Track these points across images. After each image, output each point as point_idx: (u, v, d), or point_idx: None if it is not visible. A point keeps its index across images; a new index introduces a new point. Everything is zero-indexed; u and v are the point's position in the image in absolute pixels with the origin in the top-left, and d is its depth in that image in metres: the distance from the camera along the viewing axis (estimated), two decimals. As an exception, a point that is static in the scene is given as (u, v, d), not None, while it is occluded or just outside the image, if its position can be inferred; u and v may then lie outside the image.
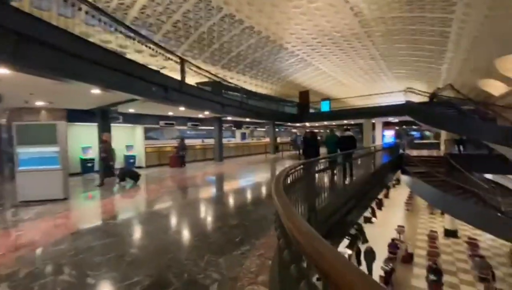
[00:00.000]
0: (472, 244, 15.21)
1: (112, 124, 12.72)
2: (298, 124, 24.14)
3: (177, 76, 11.88)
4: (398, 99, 23.06)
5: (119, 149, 15.84)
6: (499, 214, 10.97)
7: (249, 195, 8.93)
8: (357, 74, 37.48)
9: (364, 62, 32.41)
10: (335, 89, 40.42)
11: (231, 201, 8.25)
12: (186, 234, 5.49)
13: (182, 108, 12.71)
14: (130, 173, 11.34)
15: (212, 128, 16.60)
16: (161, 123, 18.13)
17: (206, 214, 7.07)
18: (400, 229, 16.76)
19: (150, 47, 10.56)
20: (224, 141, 18.45)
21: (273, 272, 2.82)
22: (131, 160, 16.46)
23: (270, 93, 32.97)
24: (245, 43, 24.51)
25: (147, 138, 17.44)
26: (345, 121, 20.83)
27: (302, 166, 4.25)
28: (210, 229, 5.61)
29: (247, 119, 18.12)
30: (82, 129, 13.78)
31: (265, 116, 16.93)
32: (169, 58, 11.63)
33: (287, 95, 35.84)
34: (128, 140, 16.88)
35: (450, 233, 16.56)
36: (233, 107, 13.50)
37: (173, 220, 6.55)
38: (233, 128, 22.29)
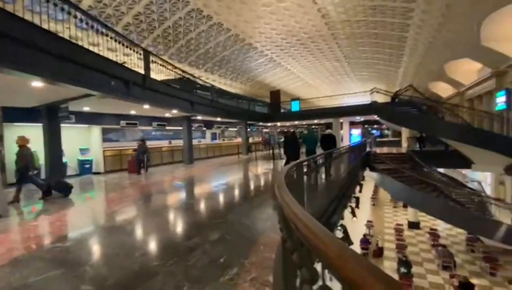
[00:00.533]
0: (434, 234, 16.35)
1: (62, 125, 11.02)
2: (269, 124, 23.94)
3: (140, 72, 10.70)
4: (361, 99, 24.21)
5: (71, 153, 13.92)
6: (456, 206, 11.69)
7: (227, 202, 7.87)
8: (323, 75, 38.84)
9: (330, 64, 33.62)
10: (303, 90, 41.39)
11: (207, 209, 7.20)
12: (156, 257, 4.15)
13: (146, 106, 11.47)
14: (59, 185, 8.81)
15: (181, 128, 15.26)
16: (122, 123, 16.39)
17: (179, 228, 5.66)
18: (369, 224, 17.41)
19: (108, 37, 9.24)
20: (194, 142, 17.38)
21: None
22: (87, 165, 14.60)
23: (239, 93, 32.45)
24: (214, 40, 23.67)
25: (105, 140, 15.61)
26: (315, 121, 21.18)
27: (295, 168, 3.74)
28: (187, 248, 4.31)
29: (218, 119, 17.29)
30: (23, 131, 11.72)
31: (237, 115, 16.29)
32: (132, 50, 10.39)
33: (256, 95, 35.69)
34: (82, 142, 14.96)
35: (413, 225, 17.64)
36: (203, 105, 12.62)
37: (138, 238, 5.18)
38: (203, 128, 21.14)
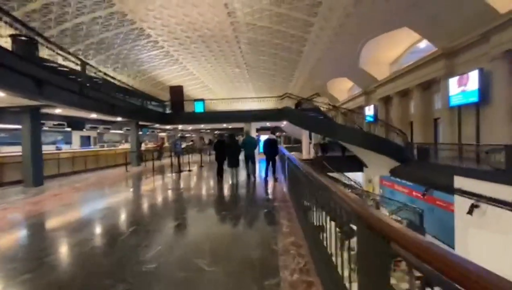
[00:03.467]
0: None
1: None
2: (168, 127, 19.84)
3: None
4: (259, 106, 24.47)
5: None
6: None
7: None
8: (223, 80, 38.02)
9: (231, 70, 33.11)
10: (202, 93, 38.91)
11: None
12: None
13: None
14: None
15: (19, 126, 9.00)
16: None
17: None
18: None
19: None
20: (48, 149, 11.35)
21: None
22: None
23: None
24: (88, 14, 17.88)
25: None
26: (224, 125, 19.36)
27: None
28: None
29: (93, 115, 11.94)
30: None
31: (124, 112, 11.52)
32: None
33: (149, 93, 30.47)
34: None
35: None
36: (66, 91, 7.91)
37: None
38: (67, 129, 14.47)
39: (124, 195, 6.83)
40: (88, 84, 9.00)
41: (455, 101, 11.76)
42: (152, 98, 16.58)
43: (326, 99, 29.06)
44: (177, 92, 15.90)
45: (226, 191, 7.09)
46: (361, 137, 12.23)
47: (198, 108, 17.63)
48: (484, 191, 7.10)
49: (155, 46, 23.88)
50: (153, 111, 14.95)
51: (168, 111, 16.55)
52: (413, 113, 16.13)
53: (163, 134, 26.45)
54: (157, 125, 17.78)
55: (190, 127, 22.56)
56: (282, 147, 13.24)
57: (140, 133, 17.47)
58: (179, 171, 9.94)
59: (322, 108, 14.70)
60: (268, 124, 19.50)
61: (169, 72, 30.07)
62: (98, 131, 17.18)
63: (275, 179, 8.16)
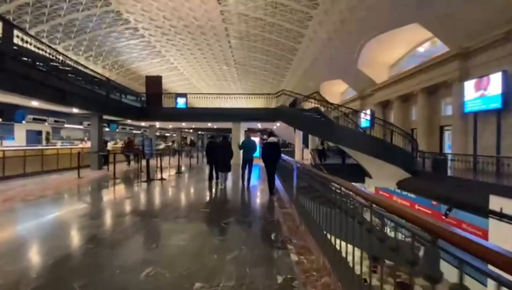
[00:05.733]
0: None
1: None
2: (144, 124, 17.21)
3: None
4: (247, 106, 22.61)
5: None
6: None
7: None
8: (210, 78, 35.89)
9: (218, 67, 31.08)
10: (186, 91, 36.58)
11: None
12: None
13: None
14: None
15: None
16: None
17: None
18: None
19: None
20: None
21: None
22: None
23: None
24: (54, -11, 15.38)
25: None
26: (209, 124, 17.15)
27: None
28: None
29: (35, 103, 8.91)
30: None
31: (80, 101, 8.75)
32: None
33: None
34: None
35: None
36: None
37: None
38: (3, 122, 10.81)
39: (33, 225, 4.06)
40: (15, 57, 6.63)
41: (471, 107, 10.53)
42: (124, 89, 13.88)
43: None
44: (154, 83, 13.52)
45: (211, 209, 5.18)
46: (369, 142, 10.72)
47: (180, 103, 15.49)
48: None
49: (135, 35, 21.49)
50: (123, 104, 12.38)
51: (143, 105, 14.09)
52: (416, 120, 14.96)
53: (137, 132, 23.80)
54: (129, 121, 15.15)
55: (170, 126, 20.17)
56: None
57: (107, 129, 14.91)
58: (148, 179, 7.62)
59: (322, 108, 13.07)
60: (259, 125, 17.68)
61: (151, 66, 27.58)
62: (54, 125, 13.74)
63: (272, 192, 6.62)
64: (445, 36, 11.49)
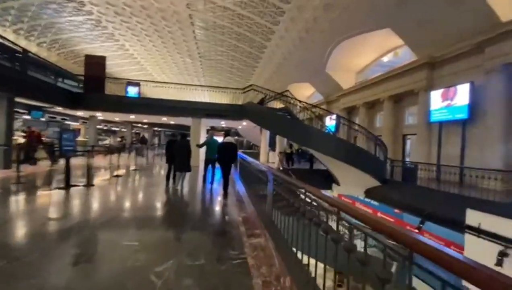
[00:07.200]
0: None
1: None
2: (80, 113, 14.01)
3: None
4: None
5: None
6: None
7: None
8: (171, 71, 33.11)
9: (181, 59, 28.65)
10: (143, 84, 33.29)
11: None
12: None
13: None
14: None
15: None
16: None
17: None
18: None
19: None
20: None
21: None
22: None
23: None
24: None
25: None
26: (164, 119, 14.86)
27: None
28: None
29: None
30: None
31: None
32: None
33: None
34: None
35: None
36: None
37: None
38: None
39: None
40: None
41: (437, 116, 10.55)
42: (51, 67, 10.89)
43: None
44: (96, 64, 10.93)
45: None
46: (342, 147, 10.03)
47: (132, 92, 13.21)
48: (518, 235, 5.32)
49: (81, 10, 18.31)
50: (49, 85, 9.59)
51: (80, 90, 11.34)
52: (381, 127, 15.01)
53: (74, 123, 20.22)
54: (60, 109, 11.99)
55: (116, 118, 17.29)
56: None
57: (28, 118, 11.85)
58: (67, 186, 5.48)
59: (292, 108, 12.18)
60: (223, 123, 16.14)
61: (101, 50, 24.08)
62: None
63: (225, 194, 6.26)
64: (416, 44, 11.47)
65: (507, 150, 8.37)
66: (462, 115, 9.42)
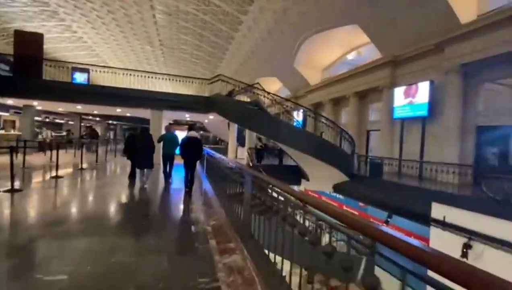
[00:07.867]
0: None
1: None
2: (12, 102, 11.53)
3: None
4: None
5: None
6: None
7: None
8: (129, 59, 30.32)
9: (140, 46, 26.26)
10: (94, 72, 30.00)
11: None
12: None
13: None
14: None
15: None
16: None
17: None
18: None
19: None
20: None
21: None
22: None
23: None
24: None
25: None
26: (118, 110, 13.07)
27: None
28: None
29: None
30: None
31: None
32: None
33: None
34: None
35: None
36: None
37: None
38: None
39: None
40: None
41: (399, 113, 10.94)
42: None
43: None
44: (30, 42, 8.80)
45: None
46: (313, 142, 9.82)
47: (80, 78, 11.40)
48: (481, 226, 5.54)
49: (13, -20, 15.42)
50: None
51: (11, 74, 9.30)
52: (346, 123, 15.32)
53: (6, 114, 17.08)
54: None
55: (60, 108, 14.84)
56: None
57: None
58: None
59: (262, 101, 11.73)
60: (188, 116, 14.98)
61: (44, 31, 20.78)
62: None
63: (190, 192, 5.89)
64: (381, 42, 11.74)
65: (463, 146, 8.93)
66: (423, 112, 9.85)
